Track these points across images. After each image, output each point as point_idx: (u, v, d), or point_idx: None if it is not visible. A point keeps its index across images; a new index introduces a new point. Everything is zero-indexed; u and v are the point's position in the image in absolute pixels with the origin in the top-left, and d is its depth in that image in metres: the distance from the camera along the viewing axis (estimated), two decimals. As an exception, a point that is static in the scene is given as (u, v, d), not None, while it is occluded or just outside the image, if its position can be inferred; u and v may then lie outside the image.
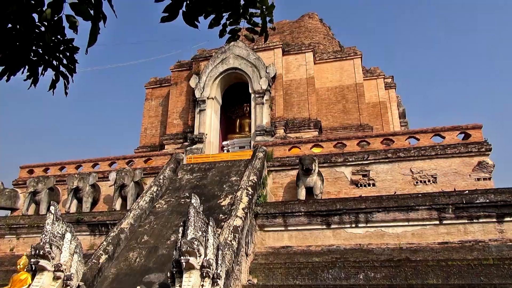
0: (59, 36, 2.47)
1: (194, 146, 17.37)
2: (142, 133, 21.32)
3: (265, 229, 10.45)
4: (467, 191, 9.18)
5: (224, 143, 19.70)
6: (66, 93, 2.64)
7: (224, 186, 12.40)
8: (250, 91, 17.93)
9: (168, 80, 22.16)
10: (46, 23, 2.32)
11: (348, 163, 12.52)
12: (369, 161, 12.29)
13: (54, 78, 2.60)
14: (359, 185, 12.18)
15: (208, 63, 18.75)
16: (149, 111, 22.01)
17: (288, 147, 13.99)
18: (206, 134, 17.78)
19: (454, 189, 10.68)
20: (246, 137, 19.23)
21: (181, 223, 6.83)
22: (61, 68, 2.60)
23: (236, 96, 21.36)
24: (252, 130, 17.32)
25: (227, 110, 21.69)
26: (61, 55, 2.53)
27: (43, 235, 6.92)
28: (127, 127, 57.63)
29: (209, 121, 18.15)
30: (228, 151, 18.96)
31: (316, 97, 18.42)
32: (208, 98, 18.35)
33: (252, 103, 17.83)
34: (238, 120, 20.80)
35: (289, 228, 10.30)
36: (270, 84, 17.94)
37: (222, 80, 18.92)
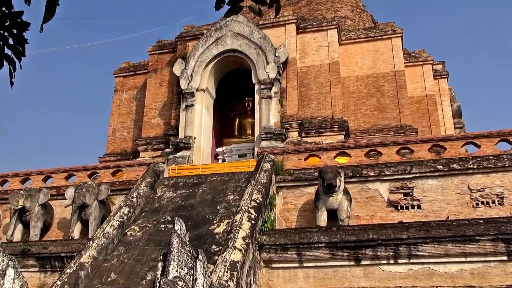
0: (4, 8, 2.33)
1: (178, 154, 17.65)
2: (110, 136, 21.77)
3: (273, 265, 10.40)
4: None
5: (219, 150, 19.95)
6: (11, 83, 2.49)
7: (219, 207, 12.50)
8: (254, 81, 18.11)
9: (145, 66, 22.18)
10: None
11: (385, 178, 12.51)
12: (412, 175, 12.22)
13: (-5, 63, 2.49)
14: (399, 207, 12.12)
15: (198, 44, 19.04)
16: (119, 107, 22.39)
17: (304, 155, 14.20)
18: (195, 138, 18.07)
19: (529, 213, 10.93)
20: (247, 142, 19.43)
21: (161, 257, 6.78)
22: (6, 50, 2.46)
23: (234, 88, 21.47)
24: (256, 133, 17.48)
25: (222, 106, 21.96)
26: (6, 33, 2.38)
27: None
28: (92, 128, 57.46)
29: (199, 120, 18.38)
30: (224, 160, 19.23)
31: (342, 89, 18.66)
32: (197, 90, 18.56)
33: (256, 97, 17.96)
34: (237, 120, 20.99)
35: (305, 264, 10.22)
36: (280, 72, 18.18)
37: (216, 66, 19.18)
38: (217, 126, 20.94)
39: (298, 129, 17.33)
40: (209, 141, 19.24)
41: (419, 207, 11.90)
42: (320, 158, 14.06)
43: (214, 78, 19.62)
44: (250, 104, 20.35)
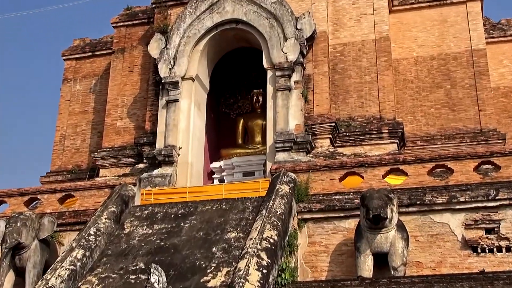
0: None
1: (156, 172, 17.79)
2: (57, 145, 21.93)
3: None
4: None
5: (215, 165, 20.31)
6: None
7: (214, 249, 12.55)
8: (266, 65, 18.29)
9: (108, 43, 22.47)
10: None
11: (458, 207, 12.51)
12: (498, 202, 12.20)
13: None
14: (479, 250, 12.04)
15: (185, 12, 19.23)
16: (71, 104, 22.55)
17: (339, 174, 14.34)
18: (180, 149, 18.25)
19: None
20: (256, 154, 19.80)
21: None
22: None
23: (237, 76, 21.83)
24: (269, 141, 17.66)
25: (220, 103, 22.24)
26: None
27: None
28: (34, 134, 56.14)
29: (186, 122, 18.66)
30: (222, 181, 19.47)
31: (394, 77, 18.73)
32: (183, 78, 18.81)
33: (269, 89, 18.14)
34: (241, 122, 21.38)
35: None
36: (305, 52, 18.32)
37: (211, 44, 19.41)
38: (212, 131, 20.86)
39: (331, 136, 17.43)
40: (201, 153, 19.29)
41: (508, 249, 11.79)
42: (362, 177, 14.08)
43: (207, 61, 19.67)
44: (260, 98, 20.42)
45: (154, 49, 19.15)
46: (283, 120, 17.35)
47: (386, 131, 17.19)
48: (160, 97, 18.93)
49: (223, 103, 22.25)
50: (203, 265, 11.84)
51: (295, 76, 17.86)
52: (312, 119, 17.71)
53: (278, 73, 17.79)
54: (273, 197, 13.20)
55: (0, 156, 56.60)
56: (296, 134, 17.12)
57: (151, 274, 7.33)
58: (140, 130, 19.65)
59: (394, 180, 13.85)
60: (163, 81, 18.69)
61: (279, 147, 17.00)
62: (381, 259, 11.82)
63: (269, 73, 18.09)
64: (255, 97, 20.72)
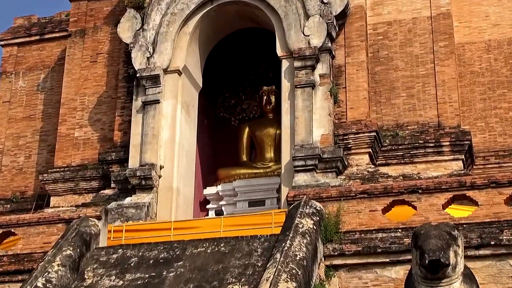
0: None
1: (128, 200, 18.03)
2: (-8, 161, 22.46)
3: None
4: None
5: (210, 191, 20.69)
6: None
7: (209, 311, 13.13)
8: (280, 52, 18.67)
9: (62, 23, 22.61)
10: None
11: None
12: None
13: None
14: None
15: (168, -19, 20.41)
16: (11, 106, 22.37)
17: (383, 202, 14.63)
18: (162, 168, 18.57)
19: None
20: (267, 175, 20.39)
21: None
22: None
23: (240, 68, 22.37)
24: (285, 158, 18.00)
25: (217, 104, 22.82)
26: None
27: None
28: None
29: (170, 132, 19.05)
30: (220, 213, 19.84)
31: (458, 69, 18.80)
32: (167, 70, 19.19)
33: (284, 85, 18.53)
34: (246, 131, 21.92)
35: None
36: (333, 34, 18.59)
37: (203, 24, 19.71)
38: (206, 143, 21.26)
39: (370, 150, 17.68)
40: (191, 174, 19.70)
41: None
42: (415, 207, 14.24)
43: (200, 48, 20.05)
44: (273, 99, 20.85)
45: (126, 31, 19.35)
46: (305, 129, 17.53)
47: (448, 143, 17.24)
48: (134, 97, 19.17)
49: (221, 105, 22.52)
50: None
51: (321, 68, 18.02)
52: (344, 127, 17.87)
53: (297, 64, 17.95)
54: (290, 235, 13.21)
55: None
56: (322, 147, 17.23)
57: None
58: (106, 142, 19.83)
59: (459, 212, 13.88)
60: (138, 75, 18.84)
61: (299, 166, 17.12)
62: (441, 322, 11.31)
63: (285, 64, 18.28)
64: (265, 97, 20.97)
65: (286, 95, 18.18)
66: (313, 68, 17.93)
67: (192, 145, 19.66)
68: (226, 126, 22.05)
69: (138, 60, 18.93)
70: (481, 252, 12.68)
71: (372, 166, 17.49)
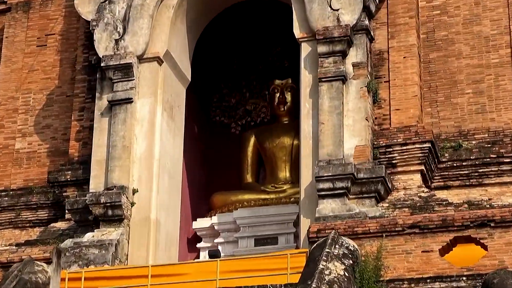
0: None
1: (89, 237, 18.05)
2: None
3: None
4: None
5: (201, 224, 21.06)
6: None
7: None
8: (298, 33, 18.87)
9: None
10: None
11: None
12: None
13: None
14: None
15: None
16: None
17: (441, 240, 14.55)
18: (136, 192, 18.76)
19: None
20: (280, 203, 20.64)
21: None
22: None
23: (243, 55, 22.77)
24: (305, 178, 18.12)
25: (211, 104, 23.32)
26: None
27: None
28: None
29: (147, 143, 19.27)
30: (215, 254, 19.06)
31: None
32: (142, 58, 19.47)
33: (304, 78, 18.71)
34: (251, 141, 22.48)
35: None
36: (372, 9, 18.84)
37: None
38: (196, 158, 21.70)
39: (423, 166, 17.73)
40: (175, 201, 19.92)
41: None
42: (485, 247, 14.15)
43: (188, 27, 20.31)
44: (288, 96, 21.28)
45: (86, 3, 19.42)
46: (333, 138, 17.55)
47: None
48: (97, 95, 19.40)
49: (217, 105, 22.98)
50: None
51: (355, 55, 18.22)
52: (387, 135, 18.07)
53: (322, 49, 18.03)
54: (313, 285, 13.04)
55: None
56: (357, 164, 17.25)
57: None
58: (59, 157, 19.94)
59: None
60: (103, 64, 19.01)
61: (325, 190, 17.09)
62: None
63: (305, 49, 18.48)
64: (278, 95, 21.28)
65: (307, 92, 18.21)
66: (343, 54, 17.97)
67: (177, 161, 19.79)
68: (224, 134, 22.20)
69: (103, 44, 19.04)
70: None
71: (426, 189, 17.39)
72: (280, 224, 19.57)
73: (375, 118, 18.15)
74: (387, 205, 17.01)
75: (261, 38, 21.38)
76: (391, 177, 17.49)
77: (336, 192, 16.97)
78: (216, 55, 21.52)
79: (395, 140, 17.68)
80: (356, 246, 14.62)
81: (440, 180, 17.83)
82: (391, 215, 16.31)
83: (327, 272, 13.46)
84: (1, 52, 21.12)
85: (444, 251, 14.19)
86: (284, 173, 20.63)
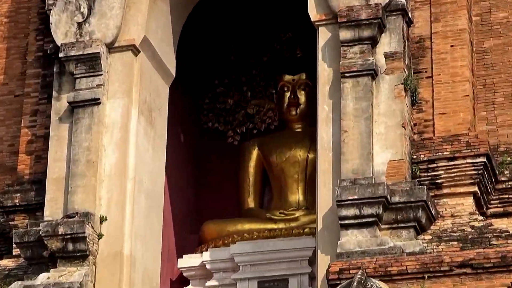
0: None
1: (43, 279, 17.87)
2: None
3: None
4: None
5: (188, 262, 21.07)
6: None
7: None
8: (315, 15, 18.89)
9: None
10: None
11: None
12: None
13: None
14: None
15: None
16: None
17: (502, 283, 14.61)
18: (105, 221, 18.63)
19: None
20: (291, 234, 20.59)
21: None
22: None
23: (242, 43, 23.33)
24: (323, 202, 17.93)
25: (201, 106, 23.76)
26: None
27: None
28: None
29: (117, 156, 19.34)
30: None
31: None
32: (112, 47, 19.60)
33: (323, 71, 18.59)
34: (253, 153, 22.70)
35: None
36: None
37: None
38: (183, 176, 21.97)
39: (477, 187, 17.38)
40: (155, 232, 19.71)
41: None
42: None
43: (171, 8, 20.30)
44: (301, 96, 21.53)
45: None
46: (359, 150, 17.35)
47: None
48: (55, 94, 19.35)
49: (209, 107, 23.07)
50: None
51: (388, 42, 18.08)
52: (429, 147, 17.72)
53: (345, 34, 17.90)
54: None
55: None
56: (390, 184, 16.92)
57: None
58: (4, 174, 19.92)
59: None
60: (62, 54, 18.96)
61: (349, 218, 16.82)
62: None
63: (323, 35, 18.33)
64: (288, 94, 21.34)
65: (326, 90, 18.05)
66: (373, 42, 17.92)
67: (157, 180, 19.77)
68: (218, 145, 22.34)
69: (62, 29, 19.13)
70: None
71: (481, 217, 17.08)
72: (291, 262, 19.51)
73: (414, 124, 18.01)
74: (430, 237, 16.74)
75: (267, 21, 21.32)
76: (435, 201, 17.22)
77: (363, 220, 16.76)
78: (208, 43, 21.61)
79: (440, 153, 17.41)
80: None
81: (499, 205, 17.61)
82: (435, 250, 16.15)
83: None
84: None
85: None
86: (296, 195, 20.67)
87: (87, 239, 17.67)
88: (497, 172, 17.49)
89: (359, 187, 16.84)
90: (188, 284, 20.37)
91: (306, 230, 19.17)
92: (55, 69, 19.32)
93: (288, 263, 19.41)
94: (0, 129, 20.30)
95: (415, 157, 17.61)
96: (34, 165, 19.22)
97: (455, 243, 16.31)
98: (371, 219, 16.76)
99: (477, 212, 17.16)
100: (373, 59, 17.77)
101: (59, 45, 18.93)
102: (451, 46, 18.17)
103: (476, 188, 17.19)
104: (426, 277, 14.66)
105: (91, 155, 18.48)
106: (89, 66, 18.74)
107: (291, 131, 21.22)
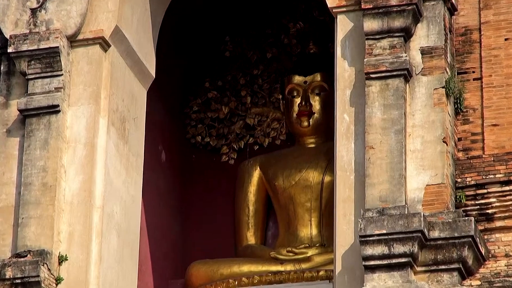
0: None
1: None
2: None
3: None
4: None
5: None
6: None
7: None
8: (332, 0, 18.90)
9: None
10: None
11: None
12: None
13: None
14: None
15: None
16: None
17: None
18: (64, 261, 18.40)
19: None
20: (302, 278, 20.67)
21: None
22: None
23: (239, 34, 23.81)
24: (341, 236, 17.85)
25: (187, 115, 23.96)
26: None
27: None
28: None
29: (82, 179, 19.19)
30: None
31: None
32: (75, 40, 19.63)
33: (341, 71, 18.52)
34: (255, 176, 22.77)
35: None
36: None
37: None
38: (165, 204, 21.80)
39: None
40: (130, 276, 19.57)
41: None
42: None
43: None
44: (315, 103, 21.40)
45: None
46: (388, 172, 16.97)
47: None
48: (1, 100, 19.21)
49: (197, 117, 22.90)
50: None
51: (426, 34, 17.80)
52: (477, 167, 17.32)
53: (371, 25, 17.62)
54: None
55: None
56: (428, 215, 16.41)
57: None
58: None
59: None
60: (11, 49, 18.81)
61: (376, 257, 16.36)
62: None
63: (343, 25, 18.08)
64: (298, 100, 21.14)
65: (347, 96, 17.73)
66: (407, 34, 17.59)
67: (132, 208, 19.27)
68: (209, 165, 22.20)
69: (11, 17, 18.86)
70: None
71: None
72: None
73: (459, 139, 17.63)
74: (478, 283, 16.43)
75: (271, 8, 21.14)
76: (486, 237, 16.81)
77: (394, 261, 16.32)
78: (197, 35, 21.06)
79: (491, 176, 16.98)
80: None
81: None
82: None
83: None
84: None
85: None
86: (309, 229, 20.45)
87: (42, 285, 17.37)
88: None
89: (388, 219, 16.55)
90: None
91: (321, 273, 18.74)
92: (2, 68, 19.07)
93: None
94: None
95: (459, 180, 17.27)
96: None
97: (511, 293, 15.32)
98: (403, 260, 16.42)
99: (537, 250, 16.18)
100: (406, 56, 17.41)
101: (8, 37, 18.68)
102: (506, 39, 17.79)
103: None
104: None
105: (48, 177, 18.03)
106: (46, 64, 18.36)
107: (302, 147, 20.97)
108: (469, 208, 17.06)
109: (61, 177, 18.19)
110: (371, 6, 17.54)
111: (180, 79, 21.43)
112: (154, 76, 20.06)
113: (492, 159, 17.33)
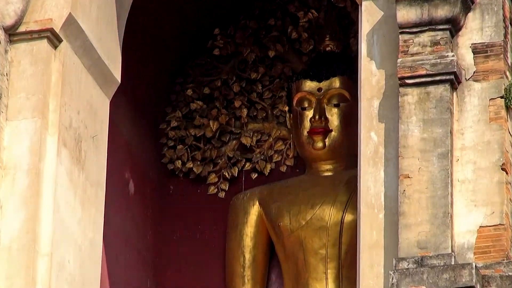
0: None
1: None
2: None
3: None
4: None
5: None
6: None
7: None
8: None
9: None
10: None
11: None
12: None
13: None
14: None
15: None
16: None
17: None
18: None
19: None
20: None
21: None
22: None
23: (234, 28, 23.38)
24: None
25: (164, 132, 23.69)
26: None
27: None
28: None
29: (24, 218, 18.61)
30: None
31: None
32: (15, 33, 19.15)
33: (366, 75, 17.88)
34: (253, 211, 22.28)
35: None
36: None
37: None
38: (133, 247, 21.23)
39: None
40: None
41: None
42: None
43: None
44: (333, 117, 20.64)
45: None
46: (429, 208, 15.82)
47: None
48: None
49: (176, 135, 21.97)
50: None
51: (479, 28, 16.62)
52: None
53: (405, 14, 16.34)
54: None
55: None
56: (482, 266, 15.40)
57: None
58: None
59: None
60: None
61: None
62: None
63: (369, 14, 17.02)
64: (310, 114, 20.11)
65: (374, 108, 16.61)
66: (454, 26, 16.57)
67: (91, 259, 17.92)
68: (192, 198, 21.06)
69: None
70: None
71: None
72: None
73: (520, 158, 16.51)
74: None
75: None
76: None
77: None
78: (175, 28, 20.46)
79: None
80: None
81: None
82: None
83: None
84: None
85: None
86: (324, 284, 19.50)
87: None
88: None
89: (429, 271, 15.59)
90: None
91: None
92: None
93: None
94: None
95: (516, 216, 16.17)
96: None
97: None
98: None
99: None
100: (453, 56, 16.36)
101: None
102: None
103: None
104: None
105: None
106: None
107: (315, 176, 19.74)
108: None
109: (-5, 213, 16.96)
110: (409, -6, 16.07)
111: (153, 85, 20.16)
112: (119, 81, 18.49)
113: None
